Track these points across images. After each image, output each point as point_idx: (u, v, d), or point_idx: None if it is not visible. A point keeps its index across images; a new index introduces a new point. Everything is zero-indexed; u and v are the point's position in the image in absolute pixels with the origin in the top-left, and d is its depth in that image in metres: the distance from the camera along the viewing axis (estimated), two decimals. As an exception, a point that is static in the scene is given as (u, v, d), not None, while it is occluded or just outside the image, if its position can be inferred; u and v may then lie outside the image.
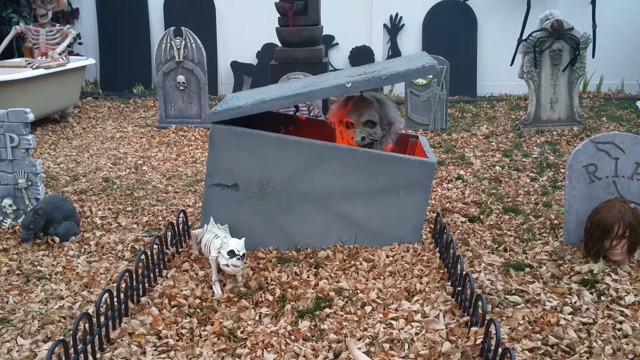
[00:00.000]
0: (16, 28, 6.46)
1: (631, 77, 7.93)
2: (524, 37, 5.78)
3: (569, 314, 2.42)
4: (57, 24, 6.60)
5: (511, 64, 7.00)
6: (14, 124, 3.29)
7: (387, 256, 2.95)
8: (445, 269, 2.80)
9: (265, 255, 3.01)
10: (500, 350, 2.02)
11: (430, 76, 5.83)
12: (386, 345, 2.23)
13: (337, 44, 8.16)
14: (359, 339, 2.28)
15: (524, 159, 4.82)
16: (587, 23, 7.00)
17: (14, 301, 2.62)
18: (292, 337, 2.30)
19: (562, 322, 2.36)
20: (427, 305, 2.49)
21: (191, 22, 7.33)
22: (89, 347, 2.14)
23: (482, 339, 2.16)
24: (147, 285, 2.67)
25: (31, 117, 3.31)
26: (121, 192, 4.15)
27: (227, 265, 2.61)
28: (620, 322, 2.36)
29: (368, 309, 2.49)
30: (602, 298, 2.55)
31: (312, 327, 2.38)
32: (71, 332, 2.09)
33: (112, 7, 8.29)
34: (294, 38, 5.95)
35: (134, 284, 2.56)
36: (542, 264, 2.90)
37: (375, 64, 3.68)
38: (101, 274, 2.88)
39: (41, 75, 5.83)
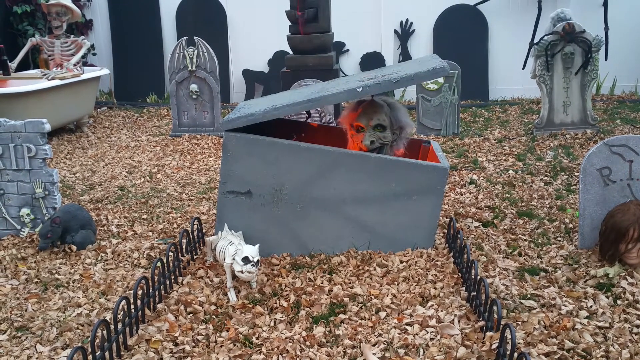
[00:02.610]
0: (32, 40, 6.58)
1: (645, 79, 7.87)
2: (536, 40, 5.76)
3: (585, 318, 2.41)
4: (72, 36, 6.70)
5: (523, 68, 7.00)
6: (31, 135, 3.35)
7: (401, 261, 2.95)
8: (460, 274, 2.79)
9: (279, 261, 3.02)
10: (515, 355, 2.01)
11: (442, 81, 5.83)
12: (401, 351, 2.23)
13: (347, 50, 8.19)
14: (374, 345, 2.28)
15: (537, 163, 4.79)
16: (599, 26, 6.99)
17: (32, 309, 2.66)
18: (307, 343, 2.31)
19: (578, 326, 2.34)
20: (442, 311, 2.49)
21: (203, 32, 7.40)
22: (106, 353, 2.17)
23: (497, 344, 2.15)
24: (163, 292, 2.70)
25: (47, 127, 3.36)
26: (136, 200, 4.19)
27: (242, 271, 2.62)
28: (637, 326, 2.34)
29: (382, 314, 2.49)
30: (618, 302, 2.53)
31: (327, 332, 2.38)
32: (89, 339, 2.12)
33: (125, 18, 8.40)
34: (305, 45, 5.98)
35: (150, 291, 2.59)
36: (557, 268, 2.88)
37: (385, 67, 3.69)
38: (118, 281, 2.91)
39: (56, 86, 5.92)
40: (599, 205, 2.97)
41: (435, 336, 2.32)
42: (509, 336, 2.06)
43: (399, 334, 2.34)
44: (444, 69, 2.84)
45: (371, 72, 3.42)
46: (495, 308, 2.25)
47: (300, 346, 2.28)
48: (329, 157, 2.94)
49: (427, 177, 2.95)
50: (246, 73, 8.30)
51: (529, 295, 2.61)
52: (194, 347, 2.32)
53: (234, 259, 2.67)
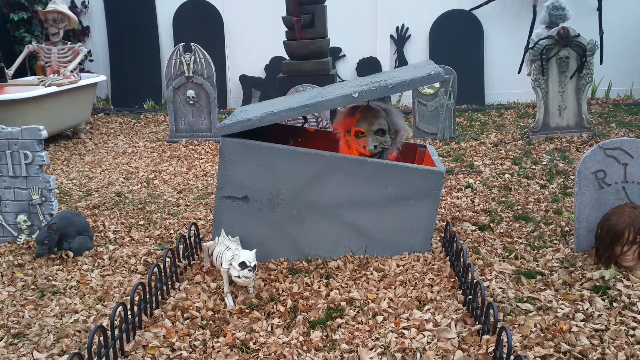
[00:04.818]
0: (29, 47, 6.59)
1: (640, 82, 7.91)
2: (531, 43, 5.80)
3: (581, 321, 2.41)
4: (69, 42, 6.72)
5: (518, 72, 7.03)
6: (27, 141, 3.35)
7: (398, 265, 2.96)
8: (456, 278, 2.80)
9: (276, 266, 3.03)
10: (512, 357, 2.02)
11: (438, 85, 5.86)
12: (398, 355, 2.23)
13: (344, 55, 8.22)
14: (371, 349, 2.28)
15: (533, 167, 4.81)
16: (594, 29, 7.03)
17: (29, 315, 2.66)
18: (304, 348, 2.31)
19: (574, 329, 2.35)
20: (439, 314, 2.50)
21: (200, 38, 7.43)
22: (103, 359, 2.16)
23: (494, 347, 2.16)
24: (160, 298, 2.70)
25: (44, 134, 3.37)
26: (133, 206, 4.19)
27: (239, 276, 2.63)
28: (633, 329, 2.35)
29: (379, 318, 2.50)
30: (614, 304, 2.54)
31: (324, 337, 2.39)
32: (86, 345, 2.12)
33: (122, 24, 8.42)
34: (302, 51, 6.01)
35: (147, 296, 2.59)
36: (554, 271, 2.89)
37: (381, 73, 3.71)
38: (115, 287, 2.91)
39: (53, 93, 5.93)
40: (594, 208, 2.98)
41: (432, 340, 2.32)
42: (505, 339, 2.06)
43: (396, 337, 2.34)
44: (439, 75, 2.87)
45: (367, 77, 3.44)
46: (491, 311, 2.26)
47: (297, 351, 2.29)
48: (325, 161, 2.95)
49: (423, 181, 2.96)
50: (243, 79, 8.32)
51: (525, 298, 2.62)
52: (191, 352, 2.32)
53: (231, 264, 2.67)
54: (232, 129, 2.95)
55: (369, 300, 2.64)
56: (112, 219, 3.90)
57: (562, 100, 5.71)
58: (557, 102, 5.72)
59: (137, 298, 2.53)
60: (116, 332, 2.30)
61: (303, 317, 2.53)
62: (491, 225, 3.54)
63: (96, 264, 3.19)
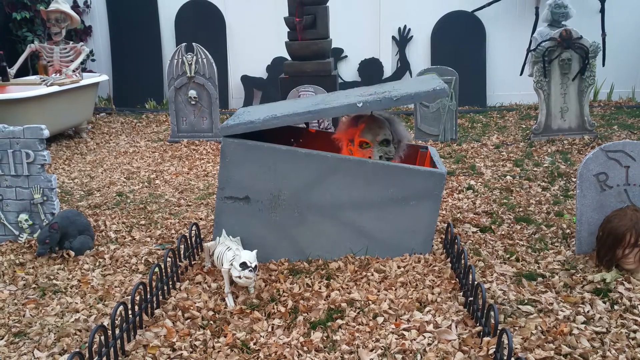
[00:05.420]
0: (31, 46, 6.60)
1: (642, 84, 7.90)
2: (533, 43, 5.80)
3: (582, 323, 2.41)
4: (71, 42, 6.73)
5: (520, 74, 7.03)
6: (29, 141, 3.36)
7: (399, 267, 2.96)
8: (457, 279, 2.80)
9: (277, 267, 3.03)
10: (512, 360, 2.02)
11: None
12: (399, 356, 2.23)
13: (346, 56, 8.22)
14: (371, 350, 2.28)
15: (535, 169, 4.81)
16: (597, 32, 7.03)
17: (30, 314, 2.66)
18: (305, 349, 2.31)
19: (575, 331, 2.35)
20: (439, 316, 2.50)
21: (202, 38, 7.43)
22: (104, 359, 2.16)
23: (494, 349, 2.16)
24: (161, 297, 2.70)
25: (46, 133, 3.37)
26: (135, 206, 4.20)
27: (240, 277, 2.63)
28: (634, 331, 2.35)
29: (380, 319, 2.50)
30: (615, 307, 2.54)
31: (325, 338, 2.39)
32: (87, 344, 2.13)
33: (124, 24, 8.43)
34: (303, 52, 6.01)
35: (148, 296, 2.59)
36: (555, 273, 2.89)
37: (385, 84, 3.71)
38: (116, 287, 2.91)
39: (55, 92, 5.93)
40: (596, 210, 2.98)
41: (433, 341, 2.32)
42: (506, 341, 2.06)
43: (396, 339, 2.34)
44: (444, 91, 2.89)
45: (371, 87, 3.44)
46: (492, 313, 2.26)
47: (297, 351, 2.29)
48: (327, 162, 2.95)
49: (424, 183, 2.97)
50: (245, 79, 8.32)
51: (526, 301, 2.61)
52: (191, 352, 2.32)
53: (231, 264, 2.67)
54: (235, 130, 2.95)
55: (370, 302, 2.64)
56: (113, 219, 3.90)
57: (564, 102, 5.71)
58: (559, 104, 5.71)
59: (138, 298, 2.54)
60: (117, 331, 2.30)
61: (304, 318, 2.53)
62: (492, 227, 3.53)
63: (97, 264, 3.20)
